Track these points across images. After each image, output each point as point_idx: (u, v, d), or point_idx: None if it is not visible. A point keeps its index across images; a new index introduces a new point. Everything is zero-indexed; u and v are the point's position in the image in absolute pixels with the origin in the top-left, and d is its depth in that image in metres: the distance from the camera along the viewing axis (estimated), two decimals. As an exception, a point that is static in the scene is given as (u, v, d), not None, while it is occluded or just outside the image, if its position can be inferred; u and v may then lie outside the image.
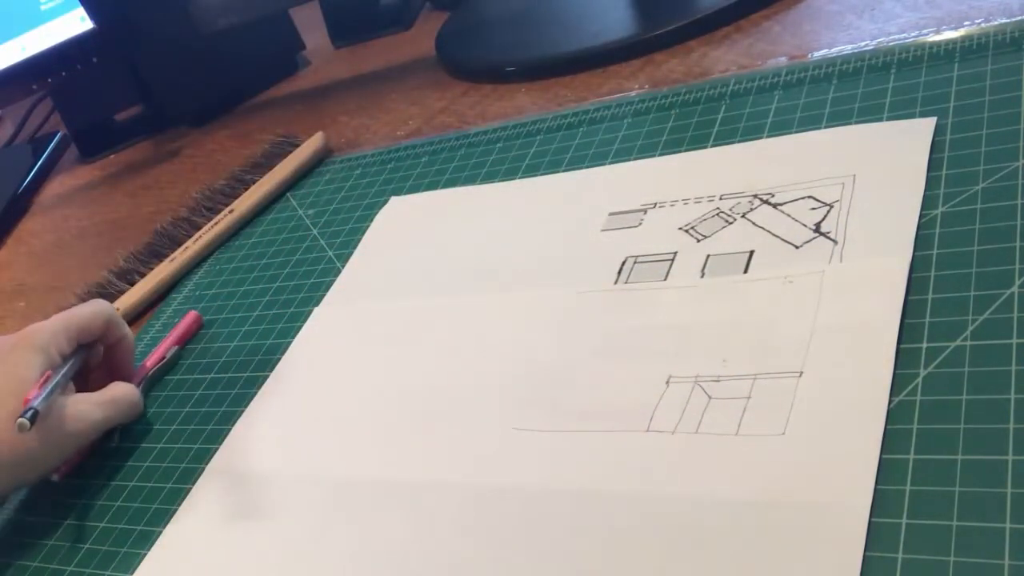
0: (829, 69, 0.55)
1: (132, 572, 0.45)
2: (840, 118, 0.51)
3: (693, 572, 0.33)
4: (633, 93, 0.63)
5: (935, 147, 0.45)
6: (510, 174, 0.61)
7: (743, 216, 0.47)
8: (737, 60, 0.61)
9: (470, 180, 0.63)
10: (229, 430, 0.52)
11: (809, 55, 0.58)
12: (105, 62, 0.94)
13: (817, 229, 0.44)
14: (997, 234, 0.40)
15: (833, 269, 0.42)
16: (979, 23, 0.52)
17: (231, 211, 0.73)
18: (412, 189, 0.65)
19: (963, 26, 0.53)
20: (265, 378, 0.54)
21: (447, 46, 0.83)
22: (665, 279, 0.46)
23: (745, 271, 0.44)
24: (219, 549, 0.44)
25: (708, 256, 0.46)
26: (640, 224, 0.51)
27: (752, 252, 0.45)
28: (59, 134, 1.13)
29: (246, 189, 0.75)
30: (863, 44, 0.56)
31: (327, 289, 0.59)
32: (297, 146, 0.77)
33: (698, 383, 0.40)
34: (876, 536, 0.31)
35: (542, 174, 0.59)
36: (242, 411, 0.53)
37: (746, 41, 0.63)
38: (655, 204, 0.51)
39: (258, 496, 0.46)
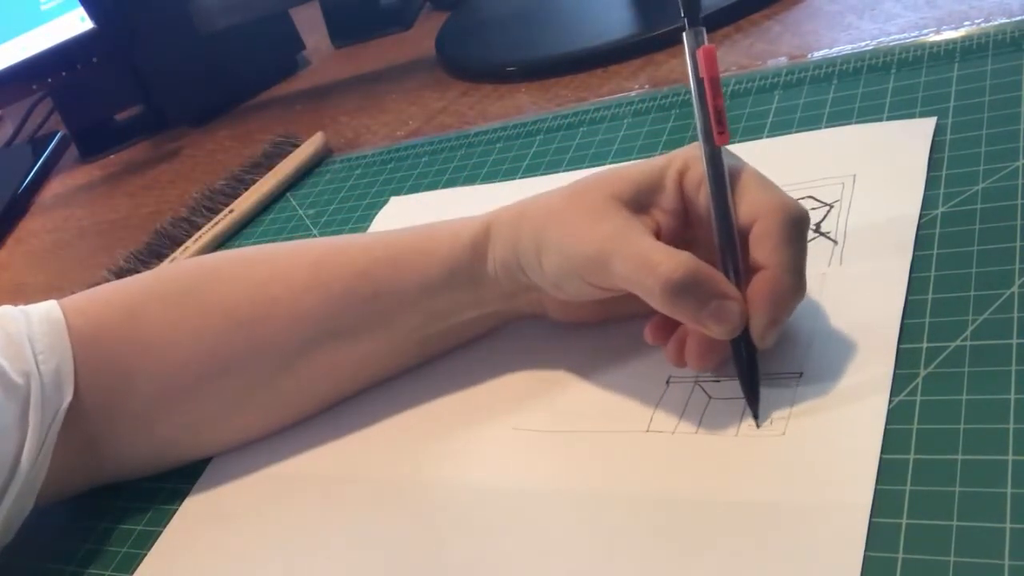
0: (829, 69, 0.55)
1: (132, 572, 0.45)
2: (840, 118, 0.51)
3: (693, 572, 0.33)
4: (633, 93, 0.63)
5: (935, 147, 0.45)
6: (510, 174, 0.61)
7: (743, 216, 0.47)
8: (737, 60, 0.61)
9: (470, 180, 0.63)
10: (229, 430, 0.52)
11: (809, 55, 0.58)
12: (105, 62, 0.94)
13: (817, 229, 0.44)
14: (997, 234, 0.39)
15: (833, 270, 0.42)
16: (979, 23, 0.52)
17: (231, 211, 0.73)
18: (412, 189, 0.65)
19: (963, 26, 0.53)
20: (265, 378, 0.54)
21: (447, 46, 0.83)
22: (665, 279, 0.46)
23: (745, 271, 0.44)
24: (219, 549, 0.44)
25: (708, 256, 0.46)
26: (640, 224, 0.50)
27: (752, 252, 0.45)
28: (59, 134, 1.13)
29: (246, 189, 0.75)
30: (863, 44, 0.56)
31: (327, 289, 0.59)
32: (297, 146, 0.77)
33: (698, 383, 0.40)
34: (876, 536, 0.31)
35: (542, 174, 0.59)
36: (242, 411, 0.52)
37: (746, 41, 0.63)
38: (655, 204, 0.51)
39: (258, 496, 0.46)
